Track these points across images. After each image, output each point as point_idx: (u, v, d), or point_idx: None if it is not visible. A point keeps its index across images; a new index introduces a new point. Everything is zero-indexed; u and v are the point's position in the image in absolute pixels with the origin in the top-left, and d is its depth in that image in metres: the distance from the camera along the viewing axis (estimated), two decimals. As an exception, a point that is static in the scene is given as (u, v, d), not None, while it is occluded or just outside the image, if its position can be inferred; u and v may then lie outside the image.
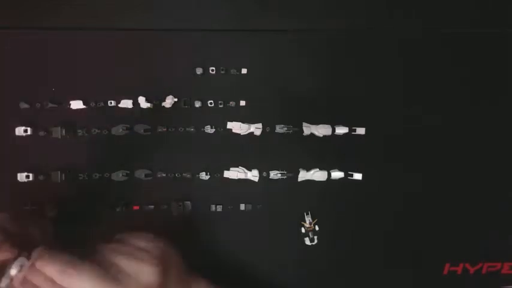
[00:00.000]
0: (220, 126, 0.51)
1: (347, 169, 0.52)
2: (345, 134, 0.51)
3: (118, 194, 0.50)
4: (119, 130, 0.49)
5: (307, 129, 0.51)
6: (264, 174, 0.51)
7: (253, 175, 0.51)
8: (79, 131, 0.49)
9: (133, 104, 0.50)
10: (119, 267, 0.34)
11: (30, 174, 0.48)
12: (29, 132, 0.48)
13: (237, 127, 0.51)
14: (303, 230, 0.51)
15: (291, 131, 0.51)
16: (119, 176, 0.50)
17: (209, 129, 0.51)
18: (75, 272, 0.32)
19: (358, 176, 0.52)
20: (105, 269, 0.34)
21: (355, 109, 0.52)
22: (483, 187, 0.53)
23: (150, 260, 0.36)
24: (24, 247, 0.34)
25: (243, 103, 0.51)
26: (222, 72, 0.51)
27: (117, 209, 0.50)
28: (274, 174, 0.51)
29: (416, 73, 0.53)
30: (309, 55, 0.52)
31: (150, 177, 0.50)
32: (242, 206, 0.51)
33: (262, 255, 0.52)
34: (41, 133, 0.49)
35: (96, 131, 0.49)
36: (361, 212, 0.53)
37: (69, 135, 0.49)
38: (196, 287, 0.43)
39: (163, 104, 0.50)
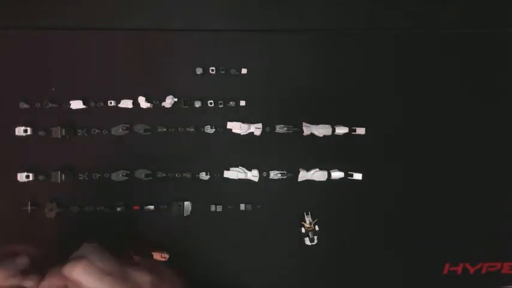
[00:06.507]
0: (220, 126, 0.51)
1: (347, 169, 0.52)
2: (345, 134, 0.51)
3: (118, 194, 0.50)
4: (119, 130, 0.49)
5: (307, 129, 0.51)
6: (264, 174, 0.51)
7: (253, 175, 0.51)
8: (79, 131, 0.49)
9: (133, 104, 0.50)
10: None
11: (30, 174, 0.48)
12: (29, 132, 0.48)
13: (237, 127, 0.51)
14: (303, 230, 0.51)
15: (291, 131, 0.51)
16: (119, 176, 0.50)
17: (209, 129, 0.51)
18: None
19: (358, 176, 0.52)
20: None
21: (355, 109, 0.52)
22: (483, 187, 0.53)
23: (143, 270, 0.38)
24: None
25: (243, 103, 0.51)
26: (222, 72, 0.51)
27: (117, 209, 0.50)
28: (274, 174, 0.51)
29: (416, 73, 0.53)
30: (309, 55, 0.52)
31: (150, 177, 0.50)
32: (242, 206, 0.51)
33: (262, 255, 0.52)
34: (41, 133, 0.49)
35: (96, 131, 0.49)
36: (361, 212, 0.53)
37: (69, 135, 0.49)
38: None
39: (163, 104, 0.50)
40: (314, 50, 0.52)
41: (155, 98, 0.50)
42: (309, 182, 0.52)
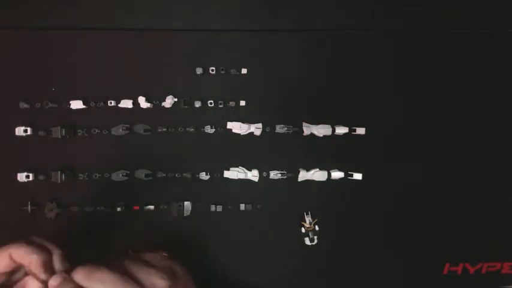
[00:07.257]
0: (220, 126, 0.51)
1: (347, 169, 0.52)
2: (345, 134, 0.52)
3: (118, 194, 0.50)
4: (119, 130, 0.49)
5: (307, 129, 0.51)
6: (264, 174, 0.51)
7: (253, 175, 0.51)
8: (79, 131, 0.49)
9: (133, 104, 0.50)
10: (137, 278, 0.36)
11: (30, 174, 0.48)
12: (29, 132, 0.48)
13: (237, 127, 0.51)
14: (303, 230, 0.51)
15: (291, 131, 0.51)
16: (119, 176, 0.50)
17: (209, 129, 0.51)
18: (99, 276, 0.34)
19: (358, 176, 0.52)
20: (125, 278, 0.35)
21: (355, 109, 0.52)
22: (483, 187, 0.53)
23: (159, 274, 0.38)
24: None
25: (243, 103, 0.51)
26: (222, 72, 0.51)
27: (117, 209, 0.50)
28: (274, 174, 0.51)
29: (416, 73, 0.53)
30: (309, 55, 0.52)
31: (150, 177, 0.50)
32: (242, 206, 0.51)
33: (262, 255, 0.52)
34: (41, 133, 0.49)
35: (96, 131, 0.49)
36: (361, 212, 0.53)
37: (69, 135, 0.49)
38: None
39: (163, 104, 0.50)
40: (314, 50, 0.52)
41: (155, 98, 0.50)
42: (309, 182, 0.52)
